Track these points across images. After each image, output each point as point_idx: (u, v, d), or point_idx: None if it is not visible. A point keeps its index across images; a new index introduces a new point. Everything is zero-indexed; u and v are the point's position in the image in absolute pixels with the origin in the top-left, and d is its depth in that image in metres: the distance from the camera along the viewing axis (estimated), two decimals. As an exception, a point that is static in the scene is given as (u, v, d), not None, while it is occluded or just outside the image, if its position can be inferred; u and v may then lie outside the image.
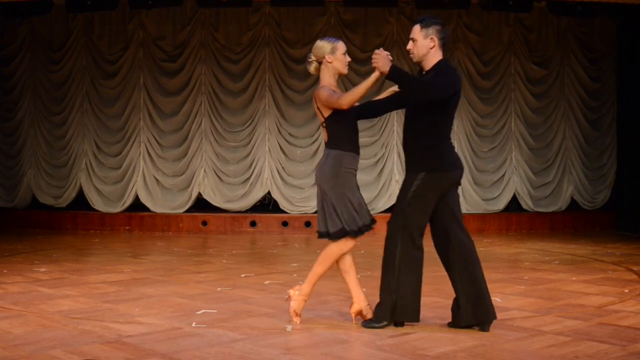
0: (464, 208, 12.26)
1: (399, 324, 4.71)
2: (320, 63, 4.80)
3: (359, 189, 4.82)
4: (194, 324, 4.81)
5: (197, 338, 4.42)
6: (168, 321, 4.92)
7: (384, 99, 5.01)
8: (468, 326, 4.68)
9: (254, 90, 12.28)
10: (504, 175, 12.52)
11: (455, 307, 4.72)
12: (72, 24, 12.41)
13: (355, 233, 4.69)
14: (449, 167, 4.66)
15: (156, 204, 12.25)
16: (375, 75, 4.52)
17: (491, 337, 4.44)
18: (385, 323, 4.68)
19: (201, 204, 12.41)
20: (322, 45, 4.77)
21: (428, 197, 4.62)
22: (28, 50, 12.61)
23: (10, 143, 12.74)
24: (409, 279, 4.62)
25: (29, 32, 12.56)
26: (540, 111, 12.59)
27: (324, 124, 4.77)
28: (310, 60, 4.83)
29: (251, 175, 12.24)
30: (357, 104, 4.77)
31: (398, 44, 12.17)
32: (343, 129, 4.72)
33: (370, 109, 5.04)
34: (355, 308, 4.83)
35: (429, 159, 4.61)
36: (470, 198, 12.33)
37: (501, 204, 12.48)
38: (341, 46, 4.78)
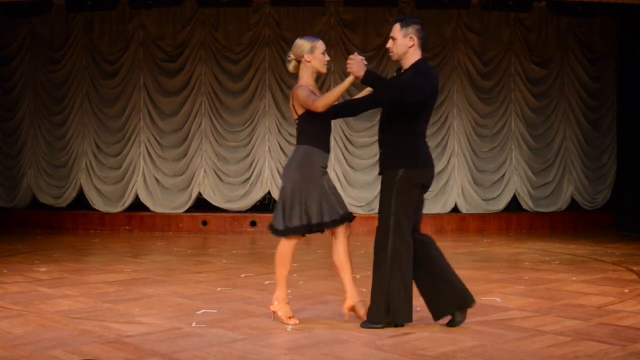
0: (464, 208, 12.28)
1: (399, 324, 4.71)
2: (299, 62, 4.83)
3: (330, 187, 4.79)
4: (194, 324, 4.81)
5: (197, 338, 4.42)
6: (168, 321, 4.91)
7: (361, 98, 5.06)
8: (462, 312, 4.73)
9: (254, 90, 12.28)
10: (504, 175, 12.51)
11: (435, 305, 4.75)
12: (72, 24, 12.40)
13: (296, 231, 4.72)
14: (426, 165, 4.73)
15: (156, 204, 12.25)
16: (350, 79, 4.55)
17: (491, 337, 4.44)
18: (381, 325, 4.67)
19: (201, 204, 12.41)
20: (302, 44, 4.80)
21: (410, 193, 4.66)
22: (28, 50, 12.60)
23: (10, 143, 12.73)
24: (401, 279, 4.63)
25: (29, 32, 12.55)
26: (540, 111, 12.59)
27: (297, 121, 4.82)
28: (289, 59, 4.86)
29: (251, 175, 12.24)
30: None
31: (398, 44, 12.13)
32: (316, 128, 4.77)
33: (348, 108, 5.14)
34: (347, 303, 4.85)
35: (408, 156, 4.66)
36: (470, 198, 12.32)
37: (501, 204, 12.47)
38: (320, 45, 4.81)
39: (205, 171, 12.27)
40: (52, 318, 4.99)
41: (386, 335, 4.47)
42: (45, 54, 12.54)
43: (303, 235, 4.79)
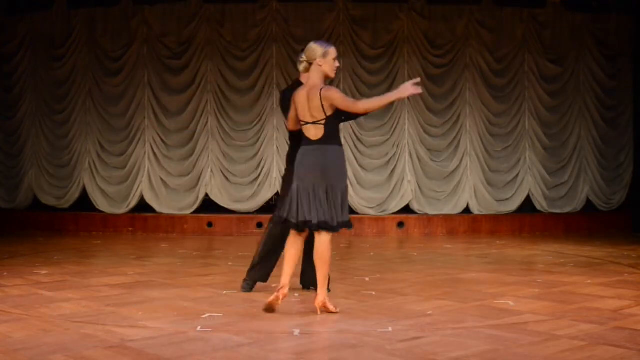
0: (476, 209, 12.13)
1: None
2: (310, 64, 5.09)
3: None
4: (199, 328, 4.73)
5: (203, 342, 4.34)
6: (172, 325, 4.83)
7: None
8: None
9: (261, 88, 12.16)
10: (517, 175, 12.37)
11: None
12: (74, 21, 12.35)
13: (337, 227, 5.01)
14: None
15: (162, 205, 12.14)
16: (396, 96, 4.82)
17: (504, 341, 4.35)
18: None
19: (207, 205, 12.29)
20: (315, 49, 5.06)
21: None
22: (29, 48, 12.56)
23: (12, 142, 12.69)
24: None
25: (30, 29, 12.52)
26: (555, 110, 12.46)
27: (323, 121, 4.97)
28: (301, 60, 5.13)
29: (259, 175, 12.12)
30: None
31: (408, 41, 12.05)
32: (337, 128, 5.09)
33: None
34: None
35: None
36: (483, 198, 12.18)
37: (514, 204, 12.33)
38: (333, 52, 5.08)
39: (212, 171, 12.15)
40: (53, 322, 4.91)
41: (397, 340, 4.38)
42: (46, 51, 12.48)
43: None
